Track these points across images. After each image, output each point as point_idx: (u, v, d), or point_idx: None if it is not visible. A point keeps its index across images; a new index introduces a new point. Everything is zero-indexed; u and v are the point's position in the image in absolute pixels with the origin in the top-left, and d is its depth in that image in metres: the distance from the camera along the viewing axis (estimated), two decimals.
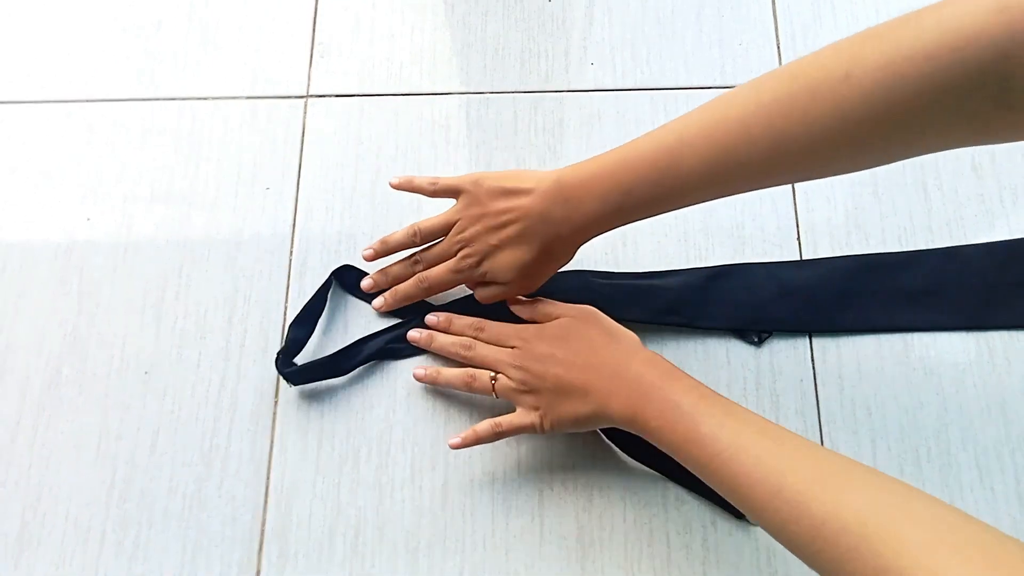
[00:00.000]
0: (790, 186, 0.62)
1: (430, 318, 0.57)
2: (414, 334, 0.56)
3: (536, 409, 0.50)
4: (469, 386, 0.53)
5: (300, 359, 0.57)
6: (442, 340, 0.56)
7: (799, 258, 0.60)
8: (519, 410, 0.51)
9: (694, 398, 0.44)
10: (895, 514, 0.34)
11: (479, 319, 0.55)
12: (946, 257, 0.58)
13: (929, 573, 0.31)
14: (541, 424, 0.50)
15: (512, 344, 0.52)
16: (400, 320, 0.58)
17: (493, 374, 0.52)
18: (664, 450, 0.45)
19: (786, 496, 0.38)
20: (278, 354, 0.57)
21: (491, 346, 0.53)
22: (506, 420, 0.51)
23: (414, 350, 0.57)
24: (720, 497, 0.43)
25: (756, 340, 0.57)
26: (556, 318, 0.52)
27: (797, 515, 0.37)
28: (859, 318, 0.57)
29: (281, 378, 0.57)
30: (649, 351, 0.49)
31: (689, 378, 0.47)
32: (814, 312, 0.57)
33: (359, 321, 0.59)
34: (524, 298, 0.55)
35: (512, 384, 0.51)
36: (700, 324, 0.57)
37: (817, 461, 0.39)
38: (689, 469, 0.44)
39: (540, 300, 0.54)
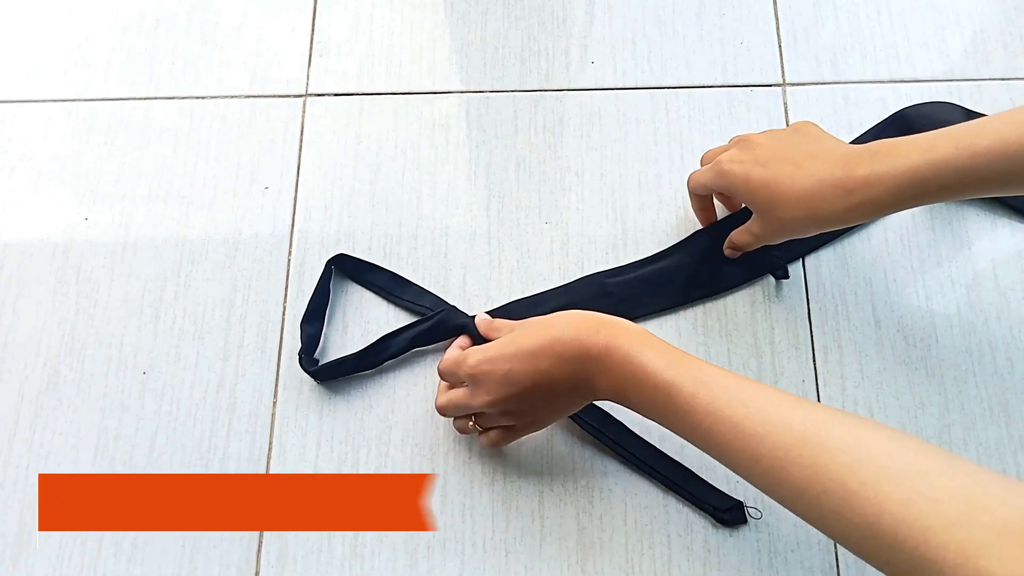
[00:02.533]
0: None
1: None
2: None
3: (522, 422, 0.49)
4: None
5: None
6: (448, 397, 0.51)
7: (801, 257, 0.59)
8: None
9: (663, 366, 0.42)
10: (880, 474, 0.34)
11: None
12: None
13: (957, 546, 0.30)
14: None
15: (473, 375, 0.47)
16: (422, 316, 0.58)
17: (472, 424, 0.50)
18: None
19: (765, 465, 0.38)
20: (300, 354, 0.57)
21: (457, 392, 0.50)
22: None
23: (441, 336, 0.56)
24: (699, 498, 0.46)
25: (780, 273, 0.57)
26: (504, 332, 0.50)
27: (778, 481, 0.37)
28: None
29: (279, 378, 0.57)
30: (605, 319, 0.45)
31: (654, 341, 0.44)
32: None
33: (358, 313, 0.59)
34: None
35: (496, 435, 0.50)
36: (724, 287, 0.58)
37: (790, 424, 0.37)
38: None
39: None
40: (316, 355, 0.57)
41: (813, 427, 0.37)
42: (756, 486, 0.39)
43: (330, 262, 0.59)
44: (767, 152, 0.48)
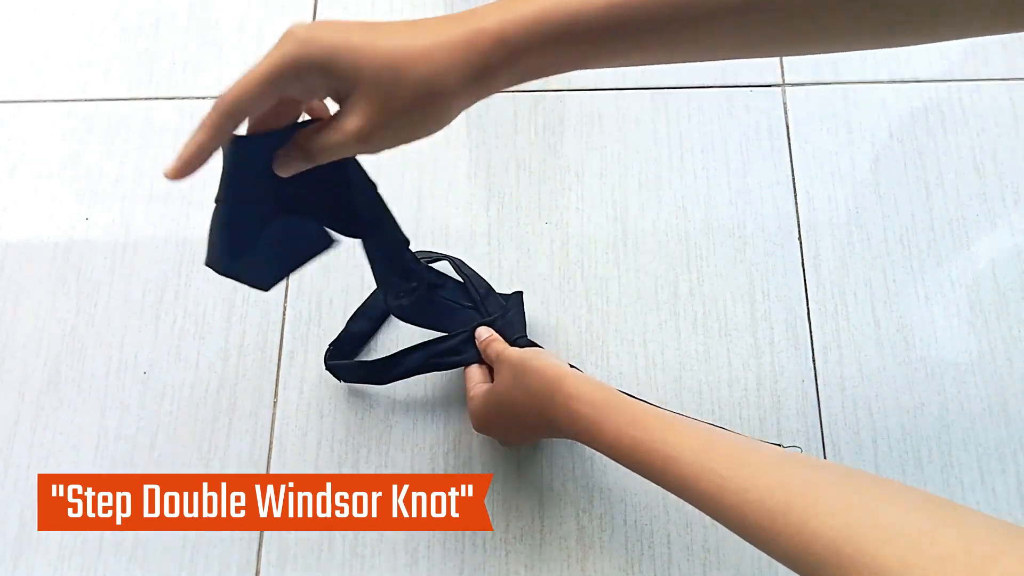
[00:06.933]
0: (791, 186, 0.62)
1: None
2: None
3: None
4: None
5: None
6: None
7: (800, 258, 0.59)
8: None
9: (627, 445, 0.41)
10: (877, 535, 0.31)
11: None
12: None
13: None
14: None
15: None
16: (443, 334, 0.55)
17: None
18: None
19: (752, 535, 0.36)
20: (330, 345, 0.56)
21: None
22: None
23: (457, 362, 0.54)
24: None
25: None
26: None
27: (770, 549, 0.35)
28: None
29: (279, 378, 0.57)
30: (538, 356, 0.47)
31: (613, 402, 0.43)
32: None
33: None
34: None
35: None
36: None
37: (771, 489, 0.35)
38: None
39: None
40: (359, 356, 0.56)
41: (797, 489, 0.34)
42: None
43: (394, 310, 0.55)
44: (356, 22, 0.36)
